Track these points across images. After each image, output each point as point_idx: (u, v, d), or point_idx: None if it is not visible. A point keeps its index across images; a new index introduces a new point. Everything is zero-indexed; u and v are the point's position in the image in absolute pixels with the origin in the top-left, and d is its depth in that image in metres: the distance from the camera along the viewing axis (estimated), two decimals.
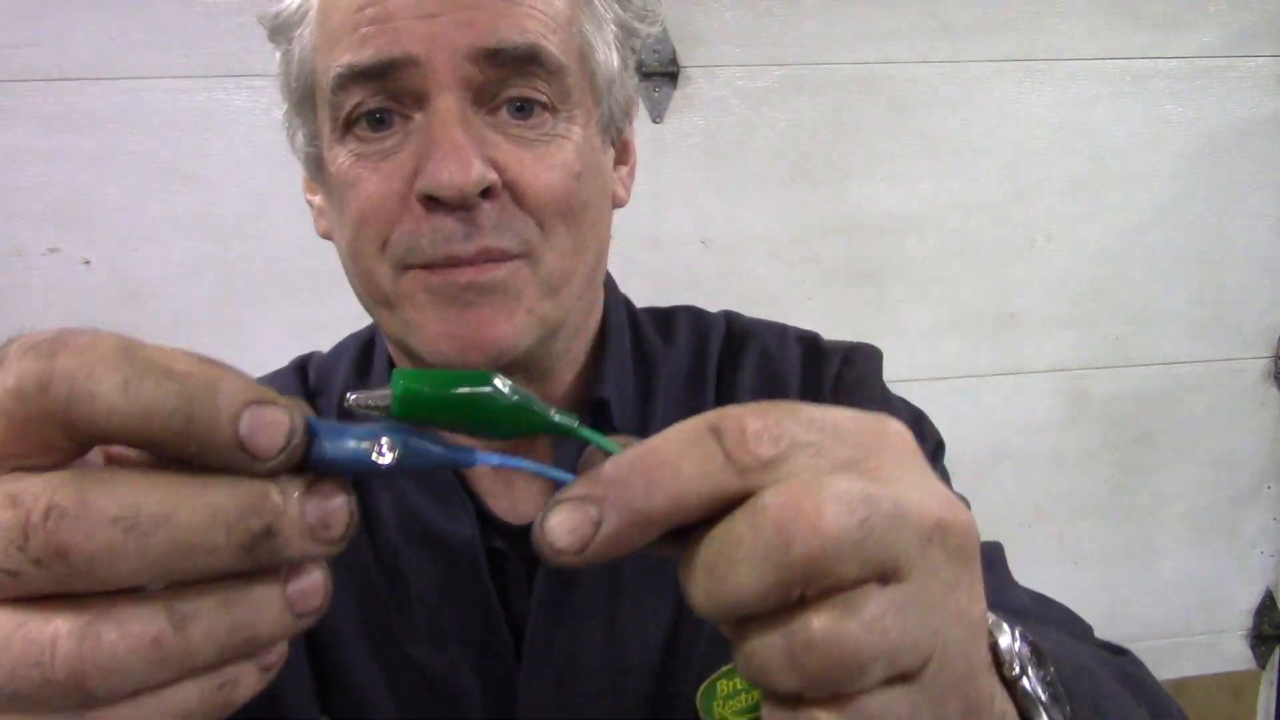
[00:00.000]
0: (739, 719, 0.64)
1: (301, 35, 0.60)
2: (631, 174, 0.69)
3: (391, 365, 0.69)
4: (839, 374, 0.72)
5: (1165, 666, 1.87)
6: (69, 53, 1.41)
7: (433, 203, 0.55)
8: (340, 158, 0.59)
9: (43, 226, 1.44)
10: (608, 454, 0.29)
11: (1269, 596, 1.88)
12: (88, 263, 1.46)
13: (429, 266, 0.57)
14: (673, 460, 0.27)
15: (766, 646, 0.27)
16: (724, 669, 0.65)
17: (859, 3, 1.58)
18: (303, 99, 0.62)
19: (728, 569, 0.27)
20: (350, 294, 0.70)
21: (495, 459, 0.31)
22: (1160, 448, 1.80)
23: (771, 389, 0.70)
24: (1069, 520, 1.80)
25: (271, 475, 0.25)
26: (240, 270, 1.46)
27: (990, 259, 1.69)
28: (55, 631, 0.23)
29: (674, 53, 1.54)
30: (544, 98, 0.57)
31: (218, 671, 0.26)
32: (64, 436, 0.24)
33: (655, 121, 1.55)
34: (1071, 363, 1.75)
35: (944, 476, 0.72)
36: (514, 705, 0.64)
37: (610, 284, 0.72)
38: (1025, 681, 0.36)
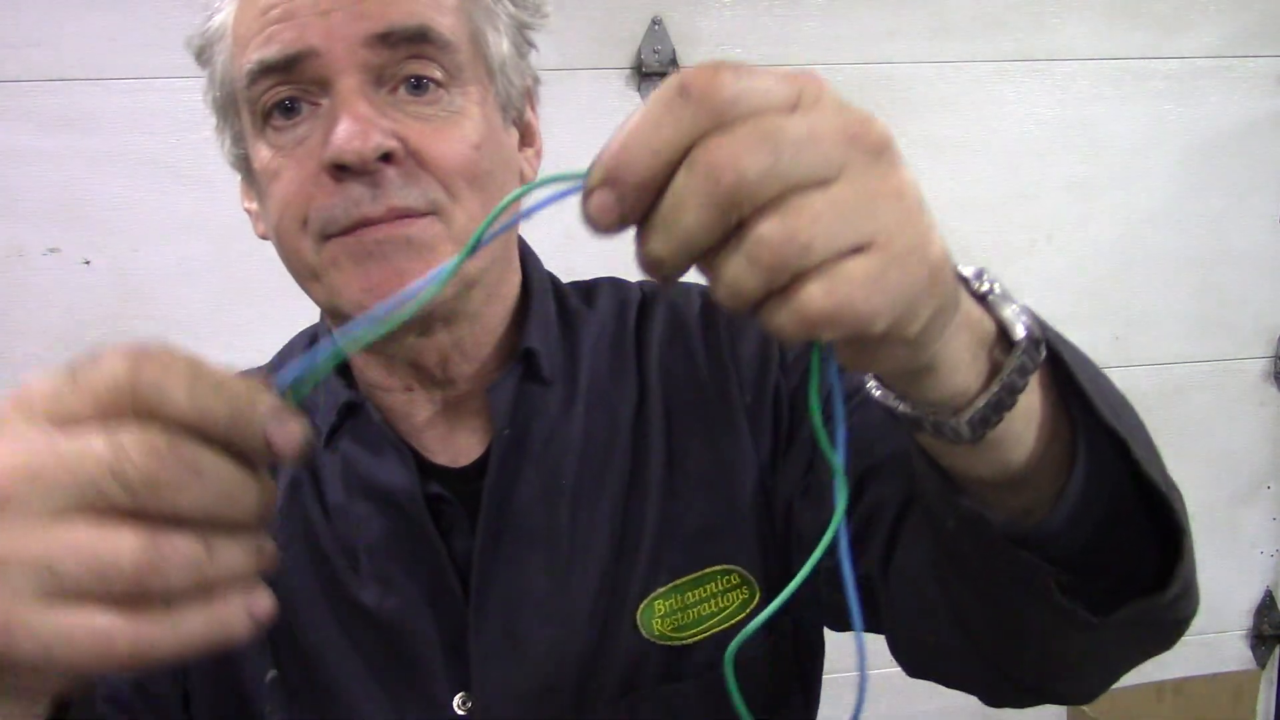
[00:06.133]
0: (676, 635, 0.69)
1: (221, 50, 0.66)
2: (538, 155, 0.74)
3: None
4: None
5: (1165, 667, 1.87)
6: (69, 53, 1.41)
7: (340, 171, 0.60)
8: (262, 151, 0.65)
9: (43, 226, 1.44)
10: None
11: (1269, 596, 1.89)
12: (88, 263, 1.46)
13: (345, 233, 0.62)
14: (654, 126, 0.34)
15: (731, 263, 0.34)
16: (660, 590, 0.69)
17: (859, 3, 1.58)
18: (226, 105, 0.68)
19: (676, 216, 0.34)
20: None
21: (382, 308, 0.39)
22: (1160, 448, 1.79)
23: (676, 334, 0.76)
24: None
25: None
26: (240, 270, 1.46)
27: (990, 259, 1.68)
28: (124, 540, 0.33)
29: (674, 53, 1.54)
30: (438, 74, 0.62)
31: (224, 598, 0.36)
32: (145, 417, 0.34)
33: None
34: None
35: (858, 384, 0.73)
36: (465, 642, 0.68)
37: (532, 257, 0.78)
38: (995, 295, 0.45)
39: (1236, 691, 1.89)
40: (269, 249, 1.47)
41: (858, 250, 0.34)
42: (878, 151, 0.35)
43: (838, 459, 0.39)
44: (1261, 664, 1.91)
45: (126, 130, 1.43)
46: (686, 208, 0.33)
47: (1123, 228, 1.72)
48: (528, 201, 0.39)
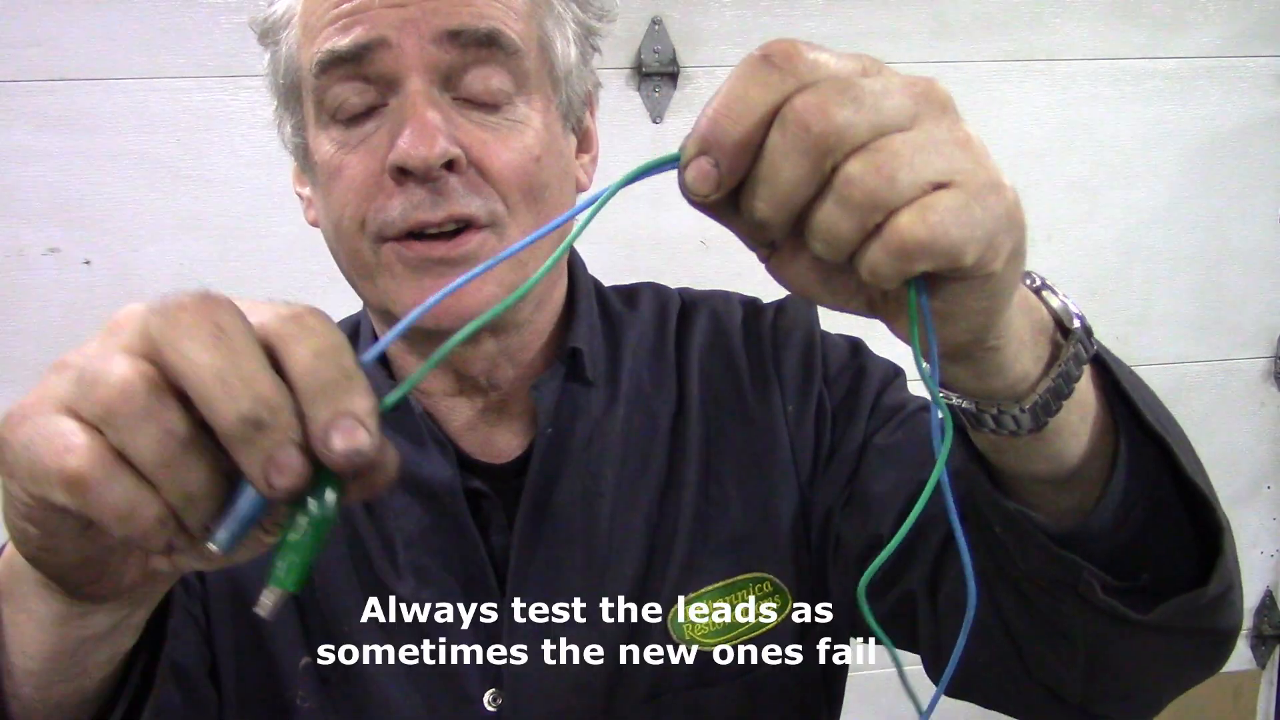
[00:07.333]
0: (708, 640, 0.69)
1: (287, 36, 0.66)
2: (594, 161, 0.75)
3: (376, 342, 0.73)
4: (774, 322, 0.78)
5: None
6: (69, 53, 1.41)
7: (402, 174, 0.61)
8: (324, 145, 0.64)
9: (43, 226, 1.44)
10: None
11: (1269, 596, 1.89)
12: (88, 263, 1.46)
13: (403, 238, 0.62)
14: (743, 93, 0.35)
15: (825, 210, 0.36)
16: (693, 594, 0.70)
17: (859, 3, 1.58)
18: (289, 92, 0.68)
19: (774, 171, 0.35)
20: (350, 293, 0.70)
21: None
22: None
23: (718, 343, 0.77)
24: None
25: None
26: (240, 270, 1.46)
27: None
28: (73, 438, 0.34)
29: (674, 53, 1.54)
30: (504, 84, 0.63)
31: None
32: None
33: (655, 122, 1.55)
34: None
35: (900, 401, 0.73)
36: (498, 637, 0.68)
37: (578, 261, 0.78)
38: (1048, 290, 0.47)
39: (1236, 691, 1.89)
40: (268, 249, 1.47)
41: (940, 187, 0.36)
42: (944, 106, 0.37)
43: (940, 400, 0.42)
44: (1261, 664, 1.90)
45: (126, 130, 1.43)
46: (783, 161, 0.35)
47: (1123, 228, 1.72)
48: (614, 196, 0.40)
